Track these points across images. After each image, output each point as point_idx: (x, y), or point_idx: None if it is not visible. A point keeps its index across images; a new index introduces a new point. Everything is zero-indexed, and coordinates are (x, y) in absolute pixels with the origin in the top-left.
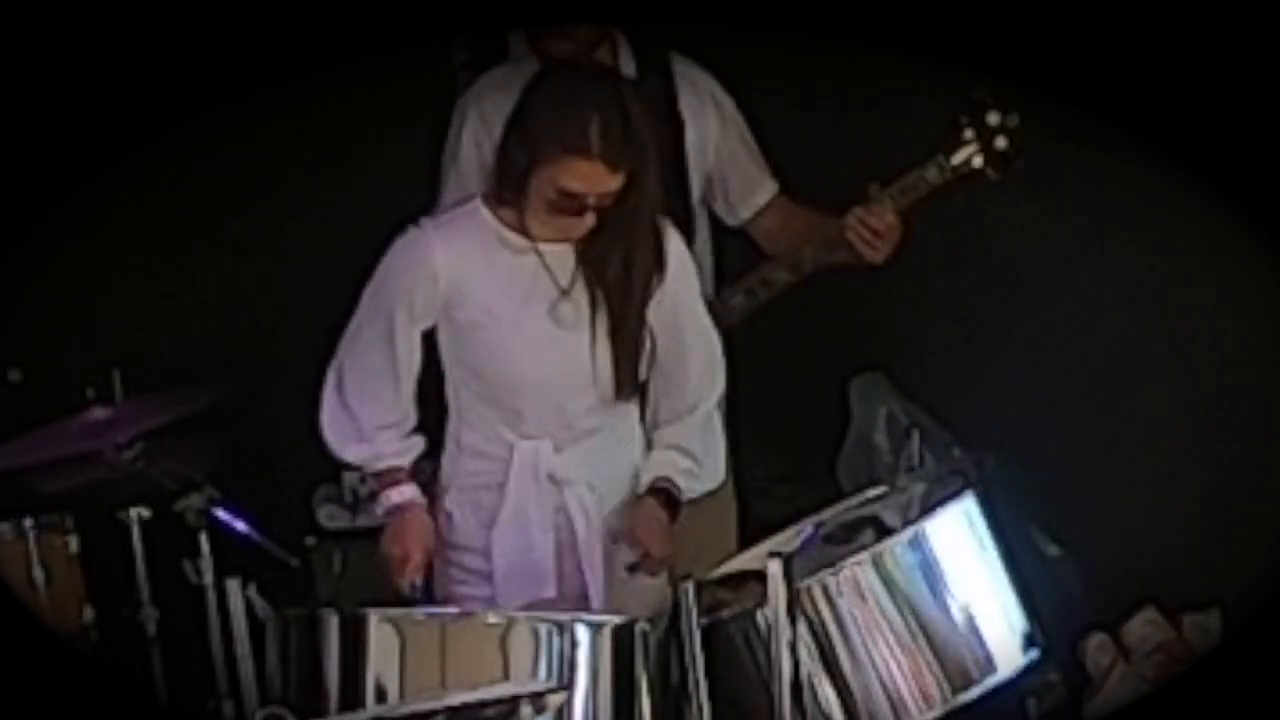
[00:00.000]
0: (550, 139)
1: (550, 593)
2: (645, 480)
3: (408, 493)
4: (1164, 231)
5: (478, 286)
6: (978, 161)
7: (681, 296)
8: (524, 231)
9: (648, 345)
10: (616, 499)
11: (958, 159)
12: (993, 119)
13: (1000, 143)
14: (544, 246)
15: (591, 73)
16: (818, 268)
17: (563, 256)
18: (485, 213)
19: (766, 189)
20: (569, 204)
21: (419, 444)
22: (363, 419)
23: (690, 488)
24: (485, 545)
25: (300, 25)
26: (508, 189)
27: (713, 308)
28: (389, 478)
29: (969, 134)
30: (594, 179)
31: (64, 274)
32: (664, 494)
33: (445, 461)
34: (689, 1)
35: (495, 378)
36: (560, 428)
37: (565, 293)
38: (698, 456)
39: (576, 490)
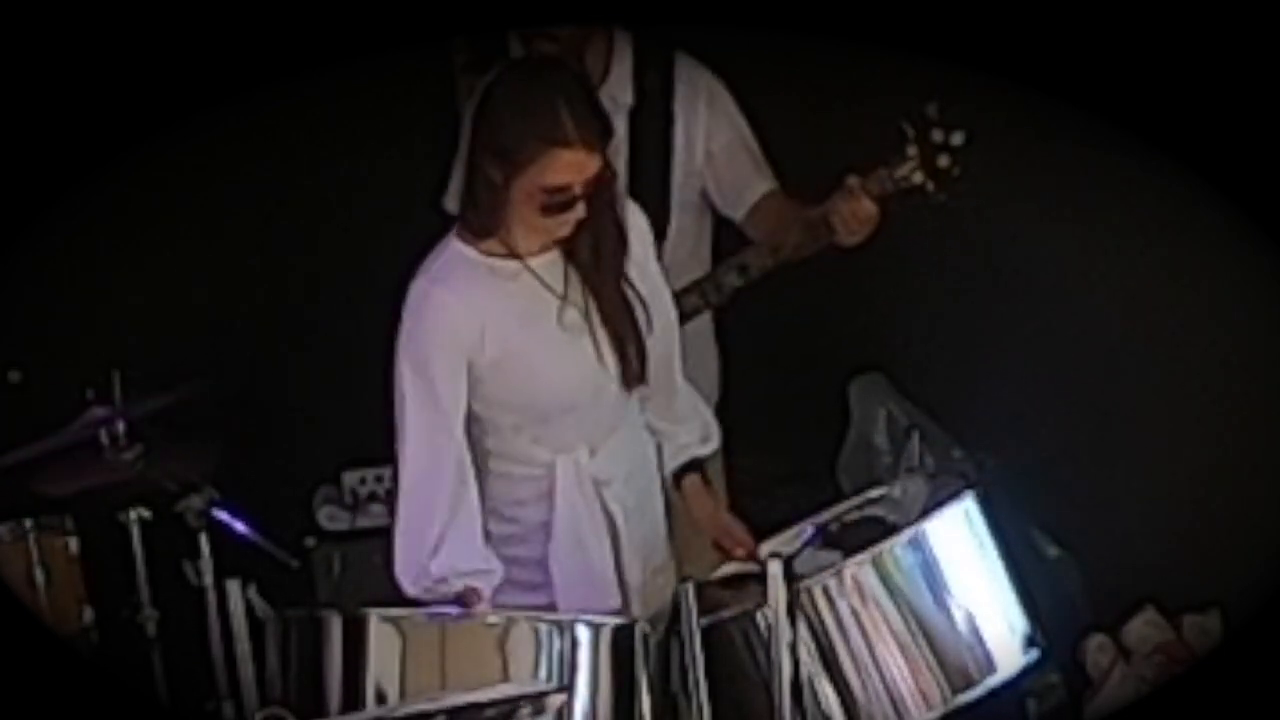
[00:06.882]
0: (525, 139)
1: (615, 603)
2: (669, 470)
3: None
4: (1163, 231)
5: (491, 326)
6: (918, 177)
7: (642, 264)
8: (510, 253)
9: (642, 321)
10: (643, 490)
11: (900, 173)
12: (936, 136)
13: (943, 160)
14: (532, 261)
15: (543, 65)
16: (796, 256)
17: (551, 264)
18: (463, 247)
19: (759, 188)
20: (559, 199)
21: (498, 570)
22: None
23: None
24: (532, 556)
25: (300, 25)
26: (487, 210)
27: (702, 287)
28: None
29: (911, 150)
30: (577, 166)
31: (64, 274)
32: (694, 468)
33: None
34: (689, 1)
35: (528, 405)
36: (591, 432)
37: (564, 298)
38: (706, 418)
39: (615, 489)
